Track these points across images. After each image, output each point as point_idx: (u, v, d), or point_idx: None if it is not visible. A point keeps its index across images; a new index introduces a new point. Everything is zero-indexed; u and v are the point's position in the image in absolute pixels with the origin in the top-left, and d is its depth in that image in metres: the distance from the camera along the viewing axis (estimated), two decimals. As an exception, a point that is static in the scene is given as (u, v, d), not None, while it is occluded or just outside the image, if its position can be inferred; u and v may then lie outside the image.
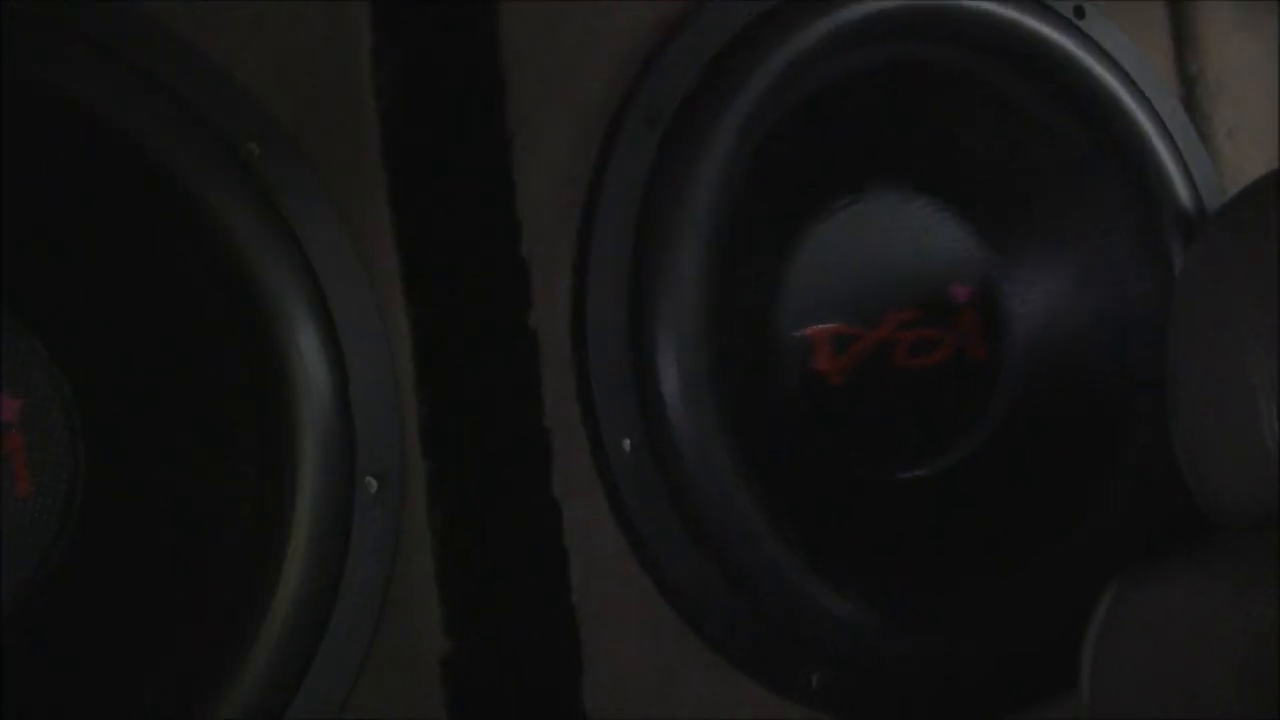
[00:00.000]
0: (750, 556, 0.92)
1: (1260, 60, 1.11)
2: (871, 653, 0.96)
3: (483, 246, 0.91)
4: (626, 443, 0.91)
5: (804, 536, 0.94)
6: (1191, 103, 1.10)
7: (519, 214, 0.91)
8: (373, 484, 0.86)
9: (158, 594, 0.86)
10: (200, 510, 0.87)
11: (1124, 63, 1.06)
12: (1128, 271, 1.06)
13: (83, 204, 0.86)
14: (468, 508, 0.90)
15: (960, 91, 1.04)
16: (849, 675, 0.96)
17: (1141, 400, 1.04)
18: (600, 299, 0.91)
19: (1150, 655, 0.85)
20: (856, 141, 1.05)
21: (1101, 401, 1.07)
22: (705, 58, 0.94)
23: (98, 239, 0.87)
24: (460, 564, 0.89)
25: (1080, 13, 1.05)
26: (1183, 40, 1.10)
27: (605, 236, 0.92)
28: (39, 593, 0.88)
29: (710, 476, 0.90)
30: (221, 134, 0.86)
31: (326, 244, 0.87)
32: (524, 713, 0.92)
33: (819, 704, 0.95)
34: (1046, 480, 1.07)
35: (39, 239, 0.87)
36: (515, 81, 0.92)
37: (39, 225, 0.87)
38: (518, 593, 0.91)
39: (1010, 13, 1.00)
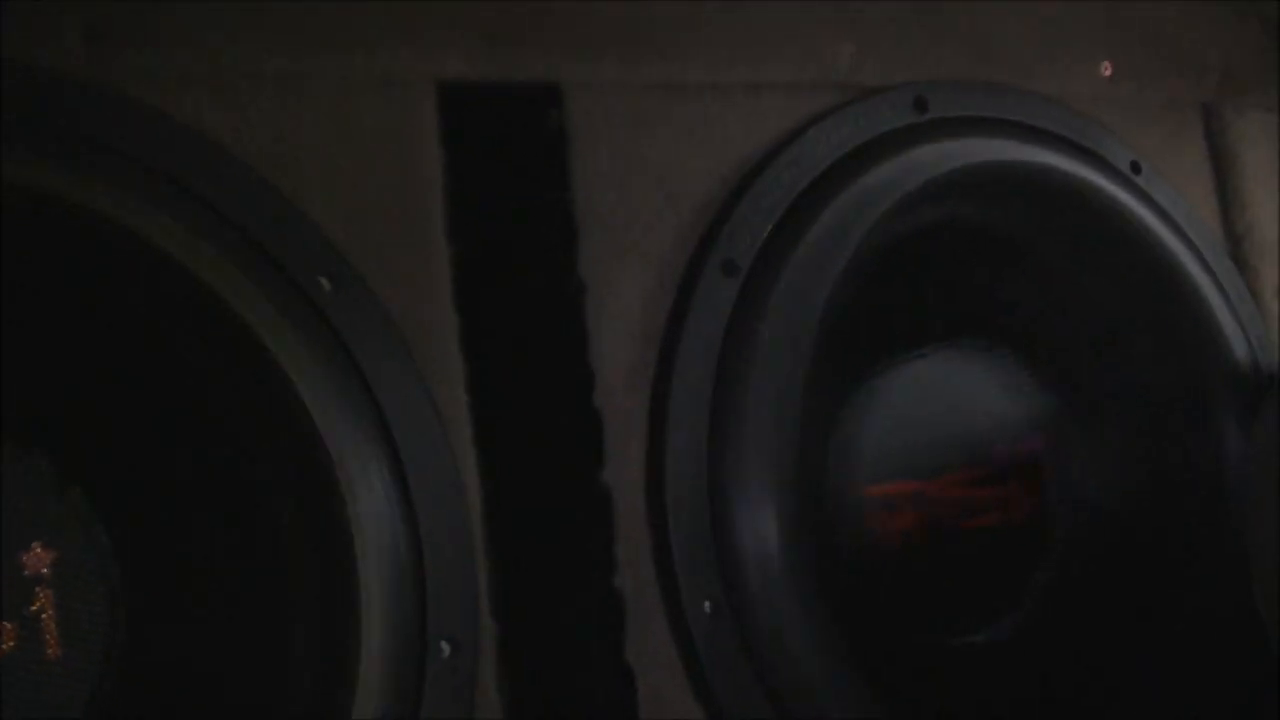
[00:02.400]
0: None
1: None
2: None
3: (554, 399, 0.86)
4: (706, 605, 0.85)
5: (887, 708, 0.89)
6: (1239, 259, 1.09)
7: (592, 366, 0.86)
8: (445, 649, 0.80)
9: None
10: (252, 687, 0.79)
11: (1178, 219, 1.04)
12: (1184, 431, 1.03)
13: (134, 342, 0.80)
14: (538, 674, 0.84)
15: (1021, 247, 1.02)
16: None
17: (1196, 562, 1.01)
18: (677, 456, 0.87)
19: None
20: (922, 295, 1.02)
21: (1155, 563, 1.03)
22: (784, 206, 0.91)
23: (149, 379, 0.81)
24: (531, 736, 0.83)
25: (1136, 168, 1.04)
26: (1228, 197, 1.10)
27: (681, 390, 0.87)
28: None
29: (793, 646, 0.86)
30: (291, 268, 0.80)
31: (398, 388, 0.82)
32: None
33: None
34: (1103, 643, 1.03)
35: (85, 379, 0.81)
36: (588, 229, 0.88)
37: (86, 366, 0.81)
38: (590, 768, 0.85)
39: (1074, 167, 0.99)
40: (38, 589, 0.81)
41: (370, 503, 0.78)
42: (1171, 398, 1.04)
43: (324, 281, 0.81)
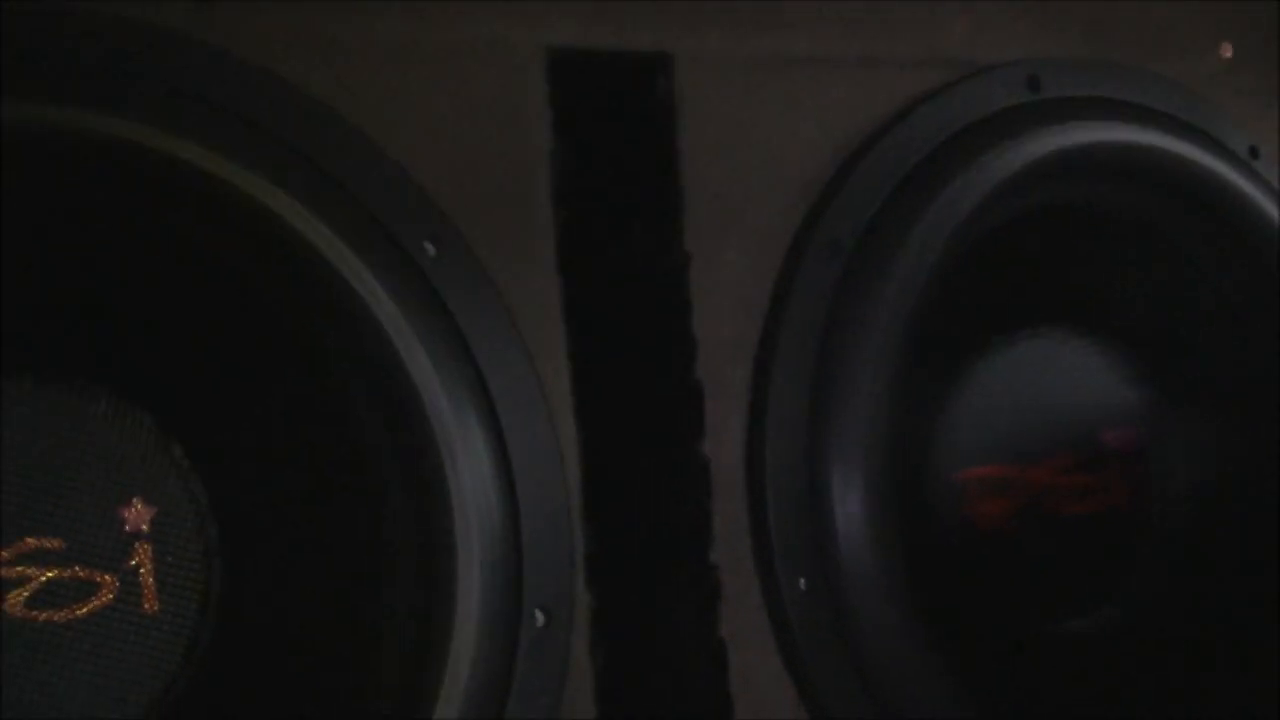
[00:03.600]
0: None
1: None
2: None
3: (656, 367, 0.86)
4: (802, 582, 0.84)
5: (978, 694, 0.87)
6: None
7: (694, 337, 0.86)
8: (540, 618, 0.80)
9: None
10: (345, 645, 0.80)
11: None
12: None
13: (238, 302, 0.80)
14: (631, 647, 0.83)
15: (1135, 231, 1.00)
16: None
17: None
18: (777, 431, 0.86)
19: None
20: (1028, 278, 1.00)
21: (1260, 554, 1.01)
22: (892, 184, 0.90)
23: (253, 340, 0.81)
24: (622, 708, 0.83)
25: (1255, 153, 1.02)
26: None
27: (784, 366, 0.87)
28: (160, 725, 0.80)
29: (888, 627, 0.84)
30: (396, 233, 0.79)
31: (500, 354, 0.81)
32: None
33: None
34: (1207, 634, 1.01)
35: (188, 337, 0.81)
36: (694, 199, 0.87)
37: (189, 323, 0.81)
38: (680, 742, 0.84)
39: (1191, 152, 0.96)
40: (137, 544, 0.81)
41: (469, 469, 0.78)
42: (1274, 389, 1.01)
43: (429, 246, 0.81)
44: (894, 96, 0.94)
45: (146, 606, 0.81)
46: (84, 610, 0.80)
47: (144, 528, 0.81)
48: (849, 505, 0.84)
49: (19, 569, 0.79)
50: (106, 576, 0.81)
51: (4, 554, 0.79)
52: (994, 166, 0.89)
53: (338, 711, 0.79)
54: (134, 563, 0.81)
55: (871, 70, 0.93)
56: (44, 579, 0.80)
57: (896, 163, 0.91)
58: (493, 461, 0.79)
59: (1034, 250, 1.00)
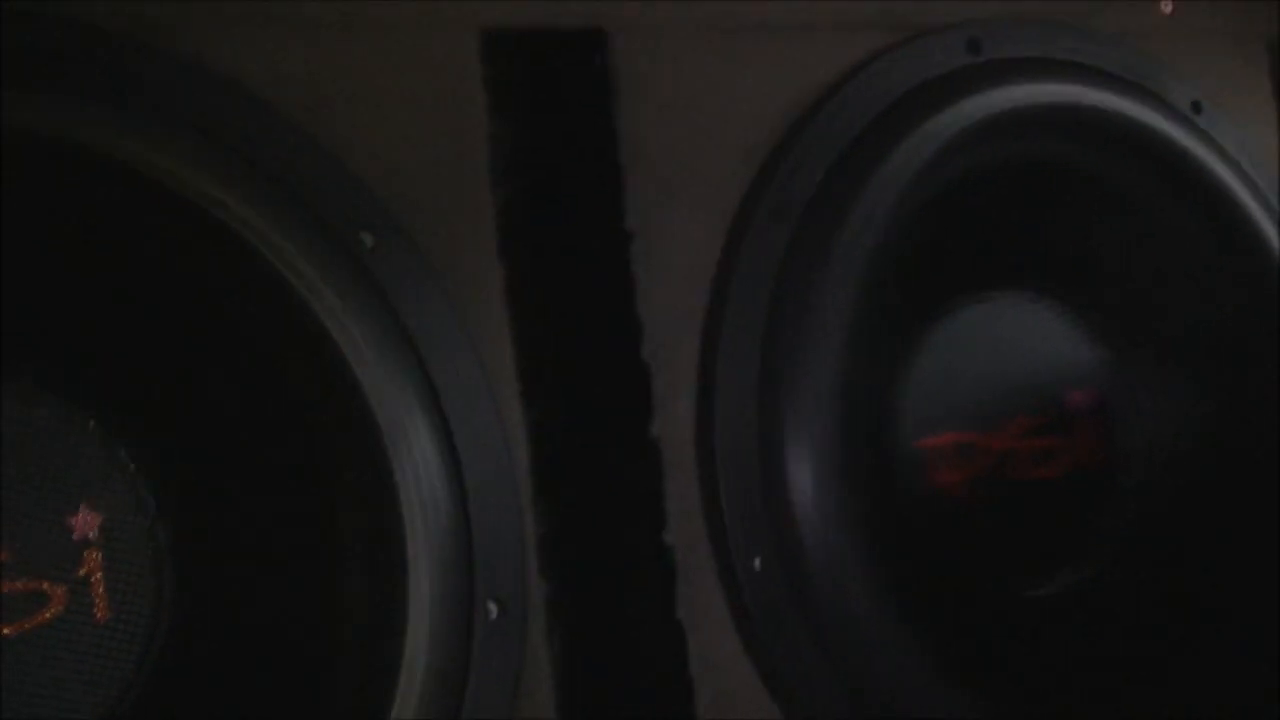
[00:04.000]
0: (890, 692, 0.85)
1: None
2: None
3: (602, 348, 0.85)
4: (756, 561, 0.84)
5: (943, 664, 0.87)
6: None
7: (639, 315, 0.85)
8: (494, 609, 0.79)
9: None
10: (299, 644, 0.79)
11: (1241, 160, 1.01)
12: (1252, 376, 1.00)
13: (175, 301, 0.79)
14: (587, 632, 0.83)
15: (1082, 191, 1.00)
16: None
17: (1272, 510, 0.98)
18: (728, 408, 0.85)
19: None
20: (977, 242, 1.00)
21: (1229, 511, 1.01)
22: (835, 151, 0.89)
23: (191, 337, 0.80)
24: (581, 696, 0.82)
25: (1197, 108, 1.01)
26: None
27: (731, 340, 0.86)
28: (116, 731, 0.79)
29: (847, 603, 0.84)
30: (332, 223, 0.78)
31: (442, 343, 0.80)
32: None
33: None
34: (1174, 595, 1.01)
35: (127, 337, 0.80)
36: (635, 175, 0.86)
37: (127, 325, 0.80)
38: (642, 726, 0.84)
39: (1132, 108, 0.96)
40: (86, 552, 0.80)
41: (415, 460, 0.77)
42: (1238, 341, 1.01)
43: (366, 236, 0.79)
44: (835, 62, 0.93)
45: (98, 614, 0.80)
46: (35, 622, 0.79)
47: (92, 535, 0.80)
48: (802, 480, 0.84)
49: (-34, 584, 0.78)
50: (56, 587, 0.79)
51: (-49, 568, 0.78)
52: (936, 131, 0.89)
53: (295, 712, 0.78)
54: (84, 571, 0.80)
55: (811, 36, 0.92)
56: (-7, 593, 0.78)
57: (840, 130, 0.90)
58: (439, 452, 0.78)
59: (985, 213, 1.00)
